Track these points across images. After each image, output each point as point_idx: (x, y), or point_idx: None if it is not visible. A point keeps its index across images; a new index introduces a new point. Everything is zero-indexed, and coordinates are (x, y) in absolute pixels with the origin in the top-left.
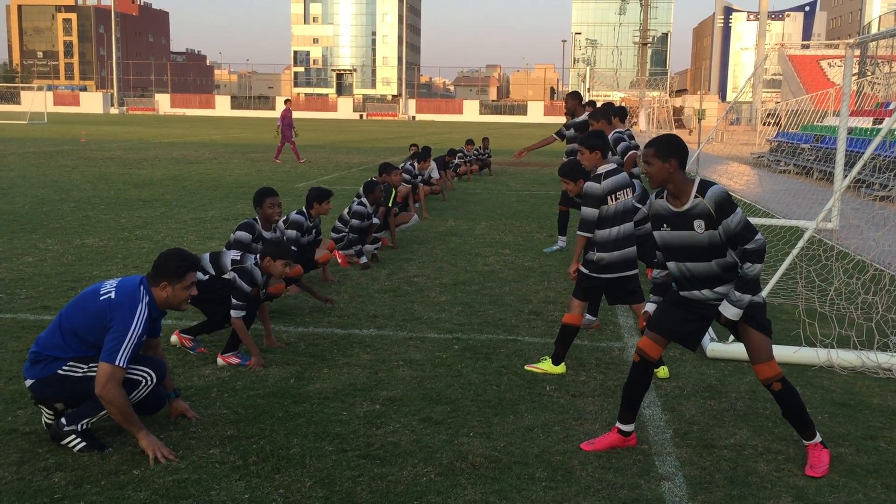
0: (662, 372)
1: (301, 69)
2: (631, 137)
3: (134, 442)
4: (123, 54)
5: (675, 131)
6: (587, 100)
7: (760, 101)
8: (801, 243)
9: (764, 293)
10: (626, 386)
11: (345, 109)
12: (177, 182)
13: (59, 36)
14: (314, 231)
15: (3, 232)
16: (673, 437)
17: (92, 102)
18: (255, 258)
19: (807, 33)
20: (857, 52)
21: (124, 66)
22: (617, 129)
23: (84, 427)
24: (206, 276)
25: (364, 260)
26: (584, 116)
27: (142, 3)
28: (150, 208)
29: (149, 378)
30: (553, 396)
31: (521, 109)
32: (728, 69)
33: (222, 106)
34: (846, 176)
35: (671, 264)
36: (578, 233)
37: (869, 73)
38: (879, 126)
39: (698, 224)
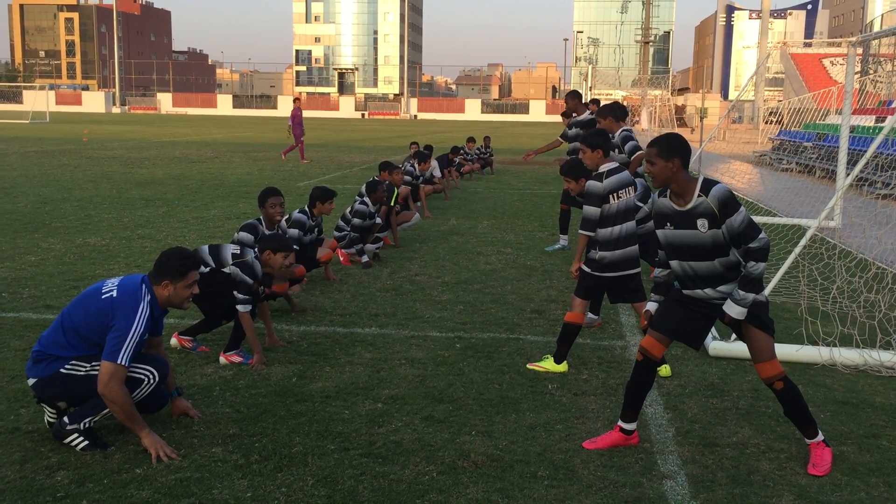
0: (664, 370)
1: (303, 68)
2: (628, 139)
3: (136, 441)
4: (125, 53)
5: (677, 130)
6: (589, 98)
7: (763, 99)
8: (803, 242)
9: (766, 291)
10: (629, 384)
11: (346, 108)
12: (179, 181)
13: (61, 35)
14: (316, 230)
15: (6, 231)
16: (675, 436)
17: (94, 102)
18: (255, 252)
19: (809, 31)
20: (860, 51)
21: (126, 66)
22: (624, 128)
23: (86, 426)
24: (207, 269)
25: (366, 259)
26: (586, 115)
27: (144, 2)
28: (153, 207)
29: (151, 377)
30: (555, 395)
31: (523, 108)
32: (730, 67)
33: (224, 105)
34: (848, 174)
35: (674, 263)
36: (580, 231)
37: (871, 72)
38: (882, 124)
39: (702, 223)
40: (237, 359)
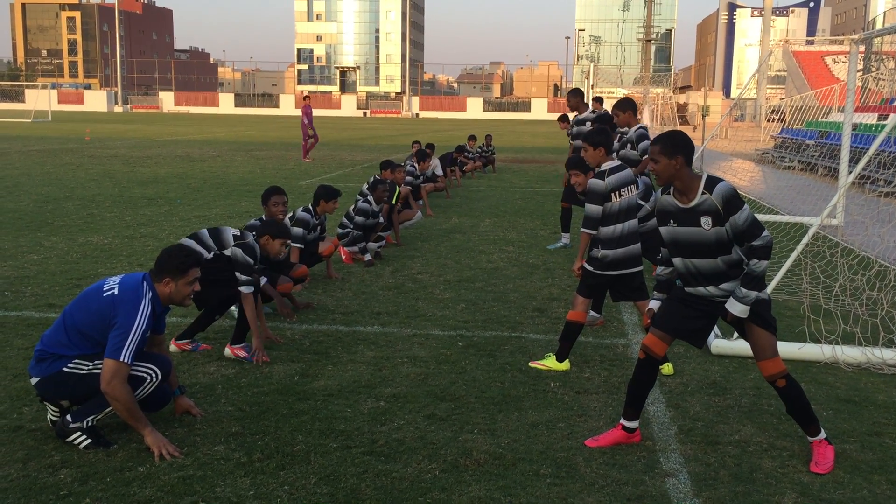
0: (667, 369)
1: (305, 67)
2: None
3: (139, 439)
4: (127, 52)
5: (679, 128)
6: (591, 96)
7: (765, 97)
8: (805, 239)
9: (769, 289)
10: (631, 383)
11: (348, 107)
12: (181, 180)
13: (63, 34)
14: (319, 228)
15: (8, 230)
16: (677, 434)
17: (96, 100)
18: (254, 236)
19: (811, 29)
20: (862, 48)
21: (128, 64)
22: (641, 125)
23: (89, 424)
24: (211, 254)
25: (368, 257)
26: (587, 113)
27: (146, 1)
28: (155, 206)
29: (154, 375)
30: (557, 393)
31: (525, 106)
32: (732, 65)
33: (226, 104)
34: (851, 172)
35: (677, 261)
36: (582, 230)
37: (874, 69)
38: (884, 122)
39: (705, 220)
40: (243, 353)
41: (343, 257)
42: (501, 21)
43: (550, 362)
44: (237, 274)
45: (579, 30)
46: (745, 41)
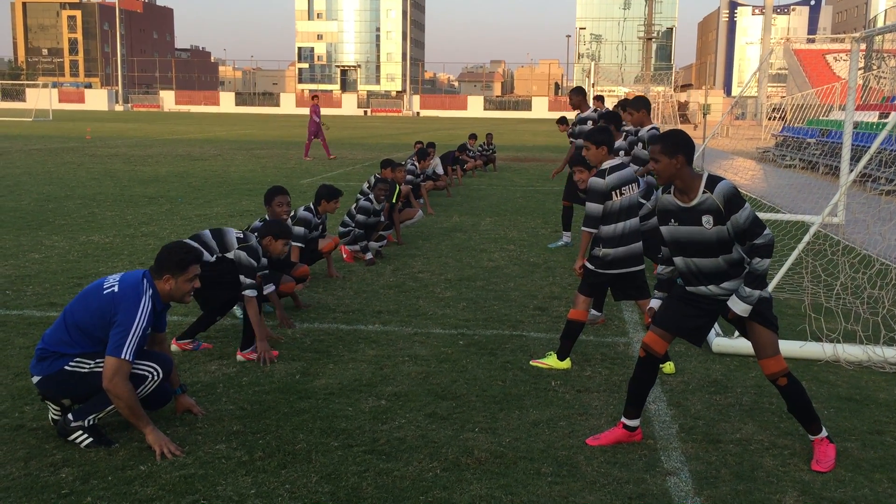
0: (668, 367)
1: (305, 65)
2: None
3: (141, 437)
4: (128, 51)
5: (680, 126)
6: (592, 95)
7: (766, 95)
8: (806, 238)
9: (770, 288)
10: (632, 381)
11: (349, 105)
12: (182, 179)
13: (63, 33)
14: (320, 227)
15: (9, 229)
16: (678, 432)
17: (97, 99)
18: (257, 237)
19: (812, 27)
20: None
21: (129, 63)
22: (654, 126)
23: (91, 423)
24: (213, 257)
25: (369, 256)
26: (589, 112)
27: (146, 0)
28: (156, 205)
29: (155, 373)
30: (558, 392)
31: (526, 105)
32: (733, 64)
33: (227, 102)
34: (852, 170)
35: (678, 260)
36: (583, 228)
37: (875, 67)
38: (885, 120)
39: (706, 219)
40: (254, 356)
41: (344, 256)
42: (502, 19)
43: (551, 361)
44: (241, 277)
45: (580, 28)
46: (747, 39)
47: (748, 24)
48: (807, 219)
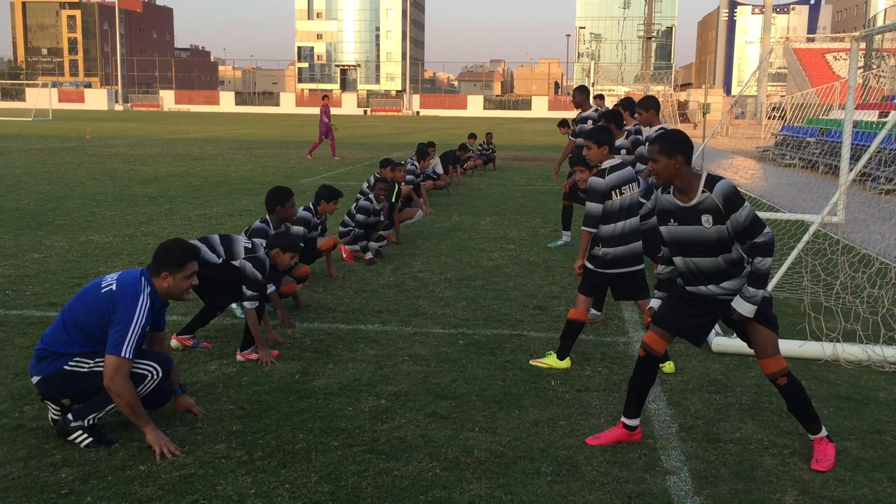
0: (668, 367)
1: (305, 65)
2: (638, 132)
3: (140, 437)
4: (128, 51)
5: (679, 125)
6: (593, 94)
7: (765, 94)
8: (806, 237)
9: (770, 287)
10: (632, 381)
11: (349, 105)
12: (181, 178)
13: (63, 33)
14: (320, 228)
15: (9, 229)
16: (678, 432)
17: (96, 99)
18: (264, 248)
19: (812, 26)
20: (863, 46)
21: (129, 63)
22: (661, 126)
23: (91, 422)
24: (220, 260)
25: (369, 255)
26: (590, 111)
27: (146, 0)
28: (155, 205)
29: (155, 372)
30: (558, 391)
31: (526, 104)
32: (733, 63)
33: (226, 102)
34: (852, 169)
35: (677, 259)
36: (583, 228)
37: (874, 66)
38: (885, 119)
39: (706, 219)
40: (254, 356)
41: (344, 256)
42: (502, 19)
43: (551, 360)
44: (243, 288)
45: (580, 27)
46: (746, 38)
47: (748, 24)
48: (806, 218)
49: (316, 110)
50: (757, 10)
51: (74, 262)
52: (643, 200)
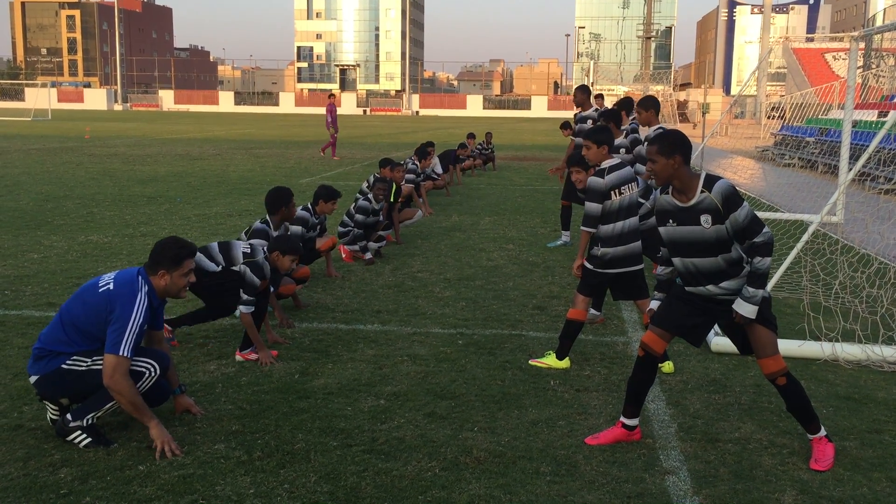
0: (667, 367)
1: (304, 65)
2: (635, 131)
3: (140, 437)
4: (127, 50)
5: (679, 125)
6: (593, 94)
7: (765, 94)
8: (805, 237)
9: (769, 287)
10: (631, 380)
11: (348, 105)
12: (181, 178)
13: (62, 32)
14: (318, 228)
15: (8, 229)
16: (677, 432)
17: (96, 99)
18: (265, 251)
19: (811, 26)
20: (862, 45)
21: (128, 63)
22: (660, 126)
23: (89, 422)
24: (219, 267)
25: (368, 255)
26: (591, 111)
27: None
28: (155, 205)
29: (152, 369)
30: (557, 391)
31: (525, 104)
32: (732, 63)
33: (226, 102)
34: (851, 169)
35: (676, 260)
36: (582, 228)
37: (874, 66)
38: (884, 119)
39: (705, 219)
40: (254, 356)
41: (343, 256)
42: (501, 18)
43: (550, 360)
44: (241, 292)
45: (579, 27)
46: (745, 38)
47: (747, 23)
48: (806, 218)
49: (316, 110)
50: (756, 10)
51: (73, 262)
52: (642, 200)
